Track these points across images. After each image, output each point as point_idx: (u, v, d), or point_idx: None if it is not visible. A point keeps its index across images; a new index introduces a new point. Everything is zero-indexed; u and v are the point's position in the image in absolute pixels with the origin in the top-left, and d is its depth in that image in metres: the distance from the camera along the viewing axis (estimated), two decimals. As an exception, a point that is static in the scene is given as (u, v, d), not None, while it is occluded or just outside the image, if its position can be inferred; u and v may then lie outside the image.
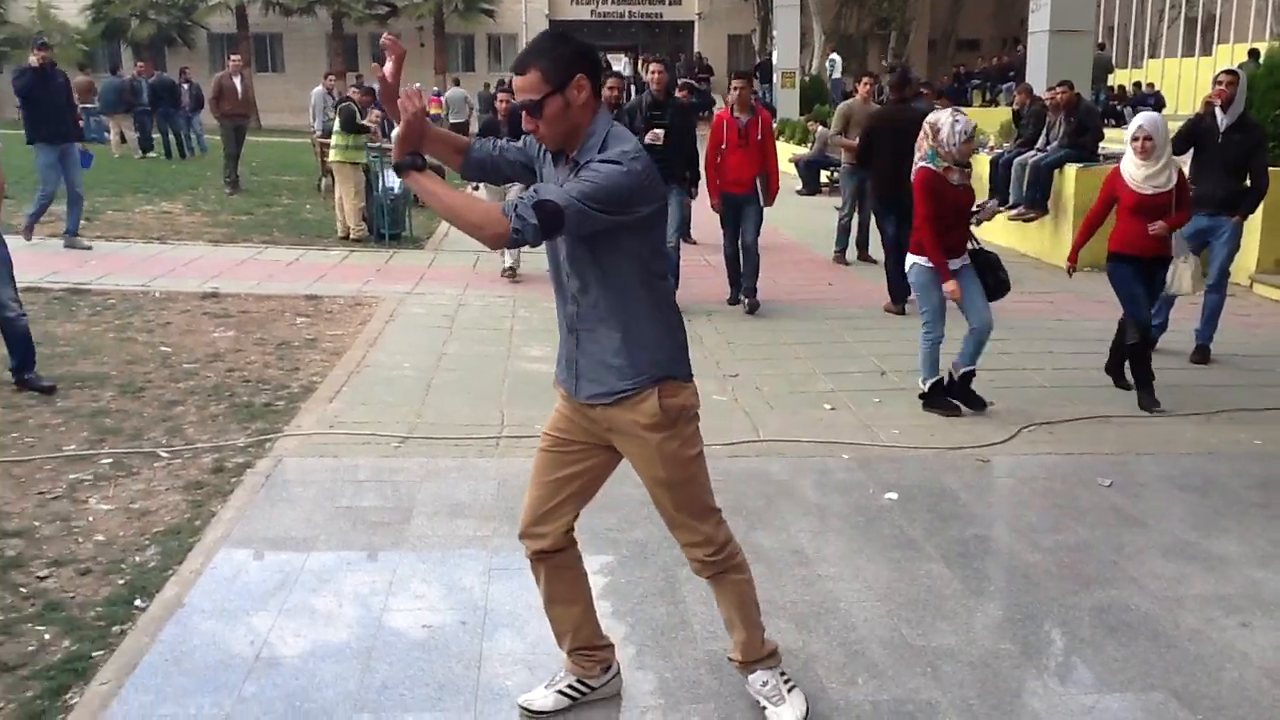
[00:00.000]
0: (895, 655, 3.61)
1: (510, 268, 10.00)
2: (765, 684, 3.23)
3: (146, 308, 8.74)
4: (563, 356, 3.06)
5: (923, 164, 6.02)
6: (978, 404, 6.29)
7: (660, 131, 8.45)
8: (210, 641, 3.62)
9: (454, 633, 3.72)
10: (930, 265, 6.04)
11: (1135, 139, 6.39)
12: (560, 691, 3.27)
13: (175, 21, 40.06)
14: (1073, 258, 7.01)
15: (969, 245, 6.25)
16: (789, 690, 3.24)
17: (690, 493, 3.07)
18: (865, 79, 12.38)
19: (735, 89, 8.97)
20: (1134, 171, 6.45)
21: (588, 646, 3.28)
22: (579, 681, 3.29)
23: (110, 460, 5.32)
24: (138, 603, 3.90)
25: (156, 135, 22.37)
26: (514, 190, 8.28)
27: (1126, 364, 6.76)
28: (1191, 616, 3.90)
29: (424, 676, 3.44)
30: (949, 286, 6.02)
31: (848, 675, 3.47)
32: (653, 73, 8.91)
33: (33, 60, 10.79)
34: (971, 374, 6.32)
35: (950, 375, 6.32)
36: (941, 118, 6.00)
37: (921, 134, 6.07)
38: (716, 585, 3.20)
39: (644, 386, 2.92)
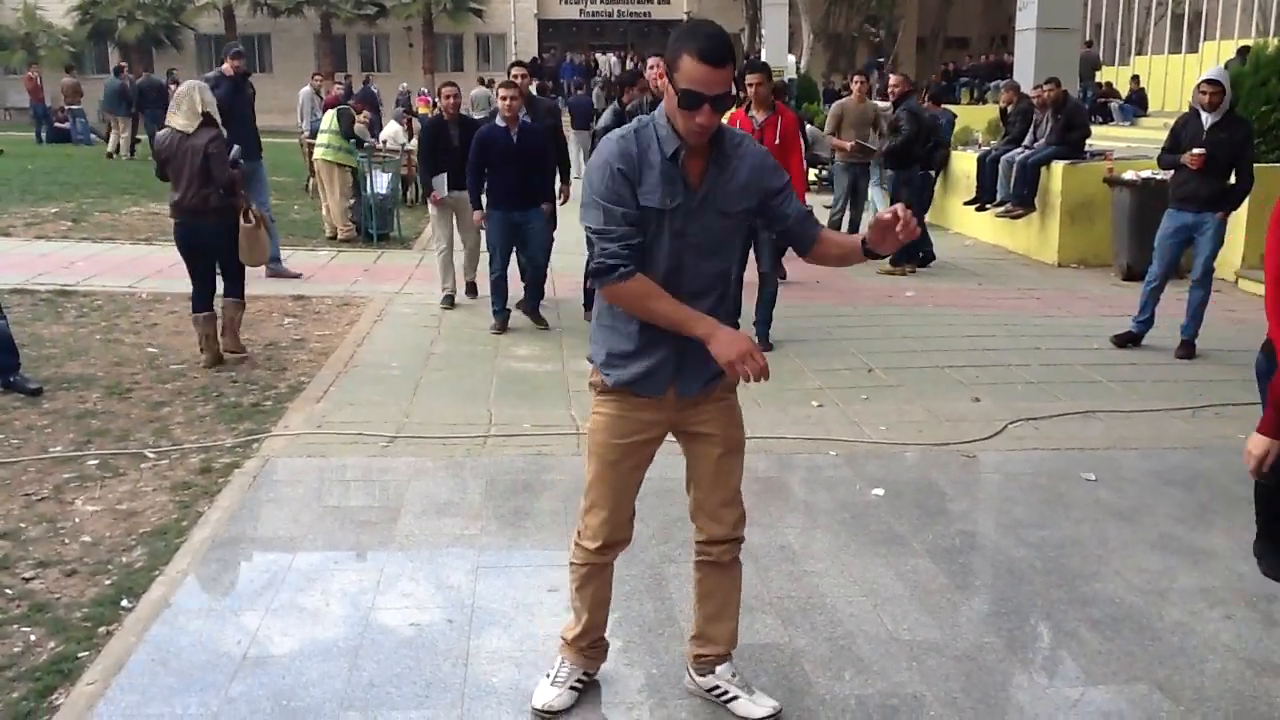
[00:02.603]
0: (881, 650, 3.62)
1: (450, 295, 8.87)
2: (734, 675, 3.26)
3: (133, 309, 8.72)
4: (655, 363, 2.94)
5: None
6: None
7: None
8: (197, 641, 3.62)
9: (441, 631, 3.72)
10: None
11: None
12: (572, 687, 3.29)
13: (163, 22, 39.98)
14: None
15: None
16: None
17: (743, 461, 3.15)
18: (858, 78, 12.39)
19: (751, 85, 7.78)
20: None
21: (599, 640, 3.36)
22: (585, 674, 3.33)
23: (97, 461, 5.32)
24: (124, 603, 3.90)
25: (142, 136, 22.28)
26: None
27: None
28: (1176, 609, 3.93)
29: (411, 674, 3.44)
30: None
31: (834, 670, 3.48)
32: (651, 67, 8.33)
33: (226, 69, 9.86)
34: None
35: None
36: None
37: None
38: (727, 573, 3.21)
39: None
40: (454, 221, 8.88)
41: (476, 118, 10.37)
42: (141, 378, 6.75)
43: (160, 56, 38.47)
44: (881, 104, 13.01)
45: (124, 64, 27.67)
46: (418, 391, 6.56)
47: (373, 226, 12.44)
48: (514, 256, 8.13)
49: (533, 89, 10.19)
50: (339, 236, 12.35)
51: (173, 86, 22.47)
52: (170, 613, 3.81)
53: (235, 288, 7.13)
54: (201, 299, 7.00)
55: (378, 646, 3.61)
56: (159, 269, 10.39)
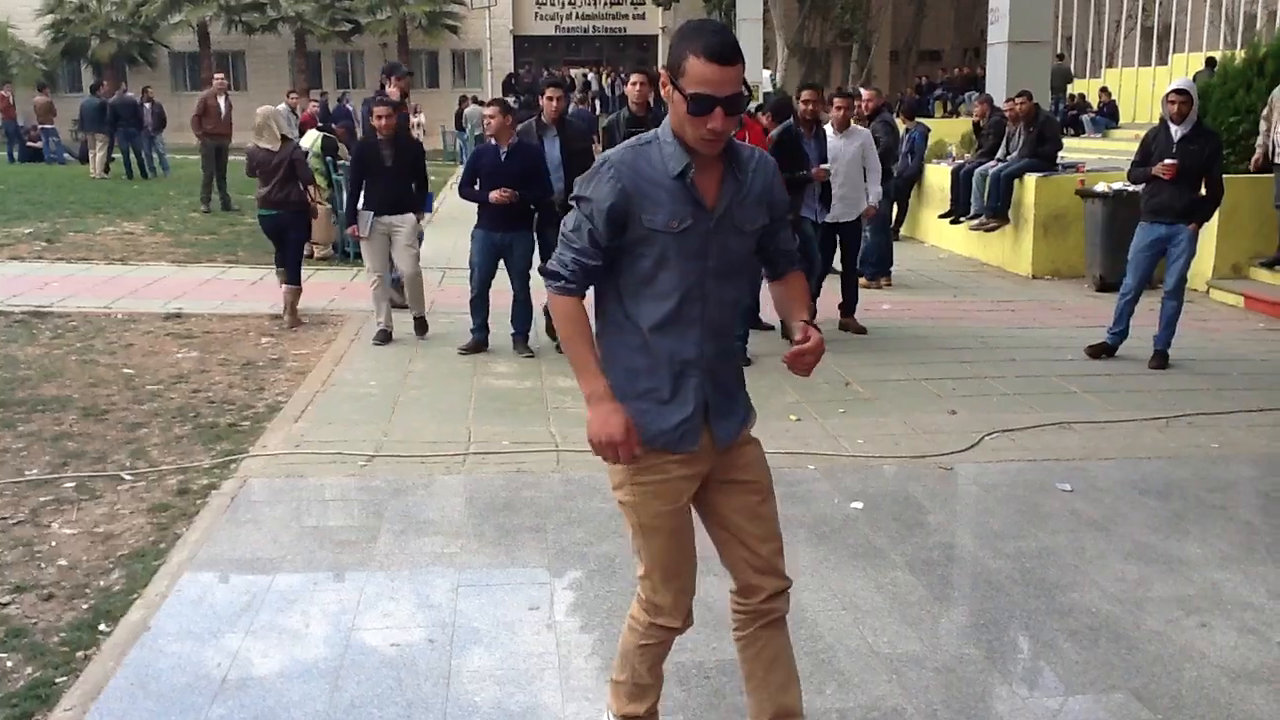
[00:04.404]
0: (861, 663, 3.64)
1: (385, 330, 8.33)
2: None
3: (109, 330, 8.67)
4: (680, 413, 2.67)
5: None
6: None
7: None
8: (176, 664, 3.60)
9: (422, 650, 3.71)
10: None
11: None
12: None
13: (136, 40, 39.81)
14: None
15: None
16: None
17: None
18: (809, 91, 12.28)
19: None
20: None
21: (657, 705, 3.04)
22: None
23: (73, 484, 5.28)
24: (102, 627, 3.87)
25: (116, 155, 22.16)
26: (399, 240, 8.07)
27: None
28: (1152, 618, 3.96)
29: (393, 695, 3.43)
30: None
31: (815, 684, 3.50)
32: (633, 84, 8.08)
33: (392, 92, 9.38)
34: None
35: None
36: None
37: None
38: (780, 629, 2.86)
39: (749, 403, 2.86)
40: (389, 247, 8.28)
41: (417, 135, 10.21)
42: (118, 399, 6.72)
43: (134, 74, 38.26)
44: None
45: (103, 82, 27.50)
46: (396, 410, 6.56)
47: (349, 244, 12.39)
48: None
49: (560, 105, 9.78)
50: (315, 255, 12.30)
51: (147, 105, 22.44)
52: (149, 636, 3.79)
53: (295, 274, 8.90)
54: (283, 259, 8.98)
55: (359, 667, 3.60)
56: (134, 289, 10.34)
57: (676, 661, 3.61)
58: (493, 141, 7.82)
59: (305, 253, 12.29)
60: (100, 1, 39.20)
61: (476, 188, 7.77)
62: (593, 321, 2.71)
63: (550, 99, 7.92)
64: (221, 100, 16.83)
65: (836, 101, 8.86)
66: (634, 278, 2.65)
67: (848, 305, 8.93)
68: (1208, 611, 4.02)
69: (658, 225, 2.58)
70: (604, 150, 7.22)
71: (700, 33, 2.49)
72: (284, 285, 8.97)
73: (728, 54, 2.45)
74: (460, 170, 8.58)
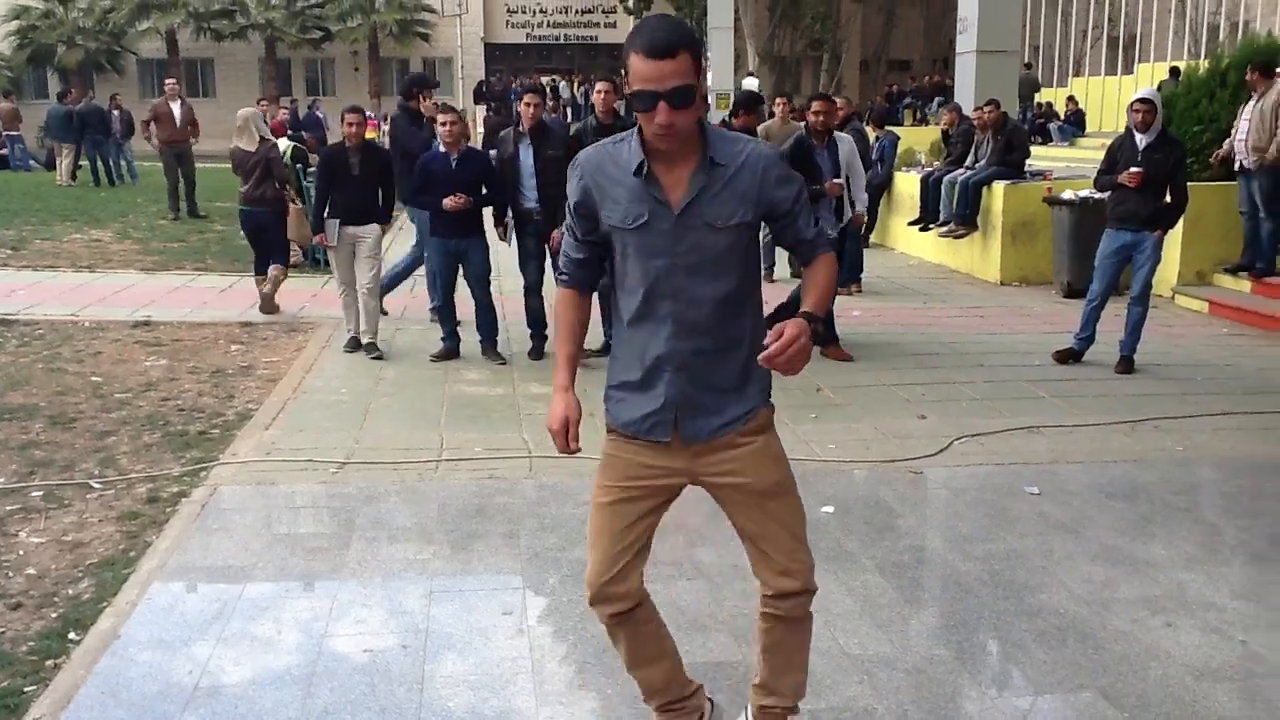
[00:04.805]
0: (833, 665, 3.66)
1: (355, 338, 8.17)
2: None
3: (76, 337, 8.60)
4: (659, 403, 2.71)
5: None
6: None
7: None
8: (148, 673, 3.59)
9: (395, 656, 3.71)
10: None
11: None
12: None
13: (104, 47, 39.54)
14: None
15: None
16: None
17: (798, 500, 2.85)
18: (780, 99, 12.36)
19: None
20: None
21: (678, 699, 3.05)
22: None
23: (41, 492, 5.24)
24: (72, 636, 3.84)
25: (84, 163, 21.98)
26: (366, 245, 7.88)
27: None
28: (1118, 618, 4.01)
29: (366, 700, 3.43)
30: None
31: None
32: (598, 92, 7.94)
33: (427, 107, 9.31)
34: None
35: None
36: None
37: None
38: (797, 628, 2.90)
39: (762, 403, 2.81)
40: (352, 258, 8.09)
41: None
42: (86, 407, 6.67)
43: (101, 82, 37.97)
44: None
45: (71, 89, 27.25)
46: (368, 417, 6.54)
47: (319, 251, 12.35)
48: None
49: (498, 112, 9.76)
50: (288, 261, 12.24)
51: (115, 112, 22.26)
52: (119, 644, 3.76)
53: (281, 258, 9.64)
54: (262, 263, 9.56)
55: (332, 673, 3.59)
56: (102, 297, 10.27)
57: (649, 665, 3.64)
58: (441, 150, 7.79)
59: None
60: (67, 8, 38.92)
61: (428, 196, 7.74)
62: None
63: (528, 105, 7.76)
64: (176, 106, 16.48)
65: (815, 106, 8.77)
66: (616, 272, 2.74)
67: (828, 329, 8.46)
68: (1173, 611, 4.08)
69: (614, 221, 2.64)
70: (568, 152, 7.25)
71: (640, 31, 2.50)
72: (272, 265, 9.52)
73: (660, 48, 2.43)
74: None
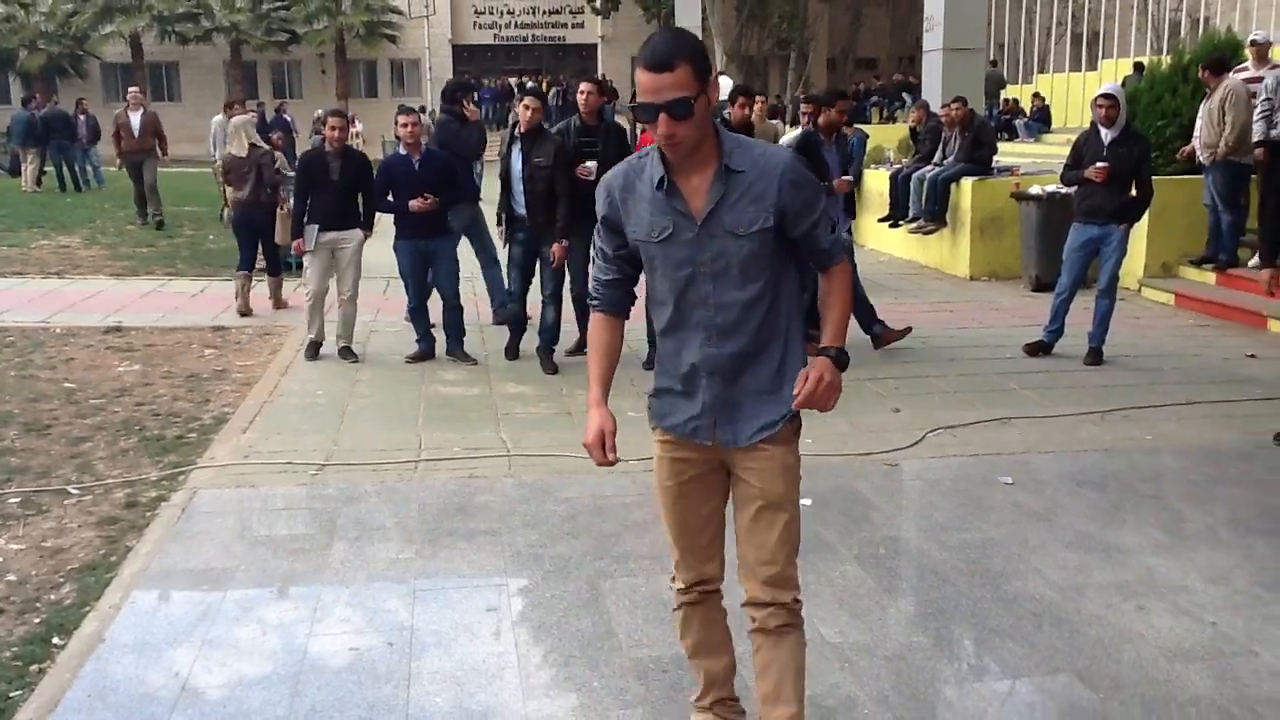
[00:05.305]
0: (814, 653, 3.68)
1: (314, 342, 8.12)
2: None
3: (48, 344, 8.55)
4: (698, 410, 2.78)
5: None
6: None
7: (592, 165, 7.39)
8: (134, 675, 3.59)
9: (381, 654, 3.74)
10: None
11: None
12: None
13: (67, 51, 39.11)
14: None
15: None
16: None
17: (797, 518, 2.87)
18: (740, 98, 12.33)
19: None
20: None
21: (731, 697, 3.12)
22: None
23: (18, 499, 5.22)
24: (56, 641, 3.84)
25: (49, 168, 21.78)
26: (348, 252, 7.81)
27: None
28: (1092, 603, 4.10)
29: (353, 698, 3.45)
30: None
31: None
32: (582, 92, 7.86)
33: (471, 111, 9.31)
34: None
35: None
36: None
37: None
38: (779, 644, 2.85)
39: (793, 413, 2.79)
40: (332, 263, 8.02)
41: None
42: (60, 413, 6.63)
43: (65, 86, 37.61)
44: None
45: (35, 94, 26.96)
46: (345, 418, 6.55)
47: (290, 254, 12.30)
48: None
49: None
50: (256, 266, 12.18)
51: (81, 117, 22.07)
52: (105, 648, 3.77)
53: (274, 267, 9.99)
54: (245, 262, 9.84)
55: (318, 672, 3.62)
56: (72, 303, 10.20)
57: (634, 657, 3.70)
58: (402, 152, 7.78)
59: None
60: (29, 11, 38.47)
61: (391, 199, 7.72)
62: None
63: (527, 108, 7.50)
64: (136, 116, 15.72)
65: (803, 107, 8.85)
66: (647, 285, 2.80)
67: (866, 323, 8.29)
68: (1144, 595, 4.16)
69: (639, 236, 2.71)
70: (554, 161, 7.20)
71: (645, 44, 2.57)
72: (268, 277, 10.07)
73: (659, 61, 2.49)
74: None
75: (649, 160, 2.68)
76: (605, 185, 2.76)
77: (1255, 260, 9.63)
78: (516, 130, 7.66)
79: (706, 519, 2.92)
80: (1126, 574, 4.37)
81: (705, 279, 2.66)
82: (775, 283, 2.72)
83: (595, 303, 2.88)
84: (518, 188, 7.54)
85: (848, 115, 8.23)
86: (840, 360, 2.67)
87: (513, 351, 8.04)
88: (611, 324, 2.88)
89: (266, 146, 10.14)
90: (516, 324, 8.06)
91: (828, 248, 2.74)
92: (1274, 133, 9.46)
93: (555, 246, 7.44)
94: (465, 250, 8.07)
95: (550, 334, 7.73)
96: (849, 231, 8.33)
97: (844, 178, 8.09)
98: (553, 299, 7.65)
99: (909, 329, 8.10)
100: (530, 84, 36.29)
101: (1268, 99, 9.51)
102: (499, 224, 7.96)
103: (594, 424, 2.82)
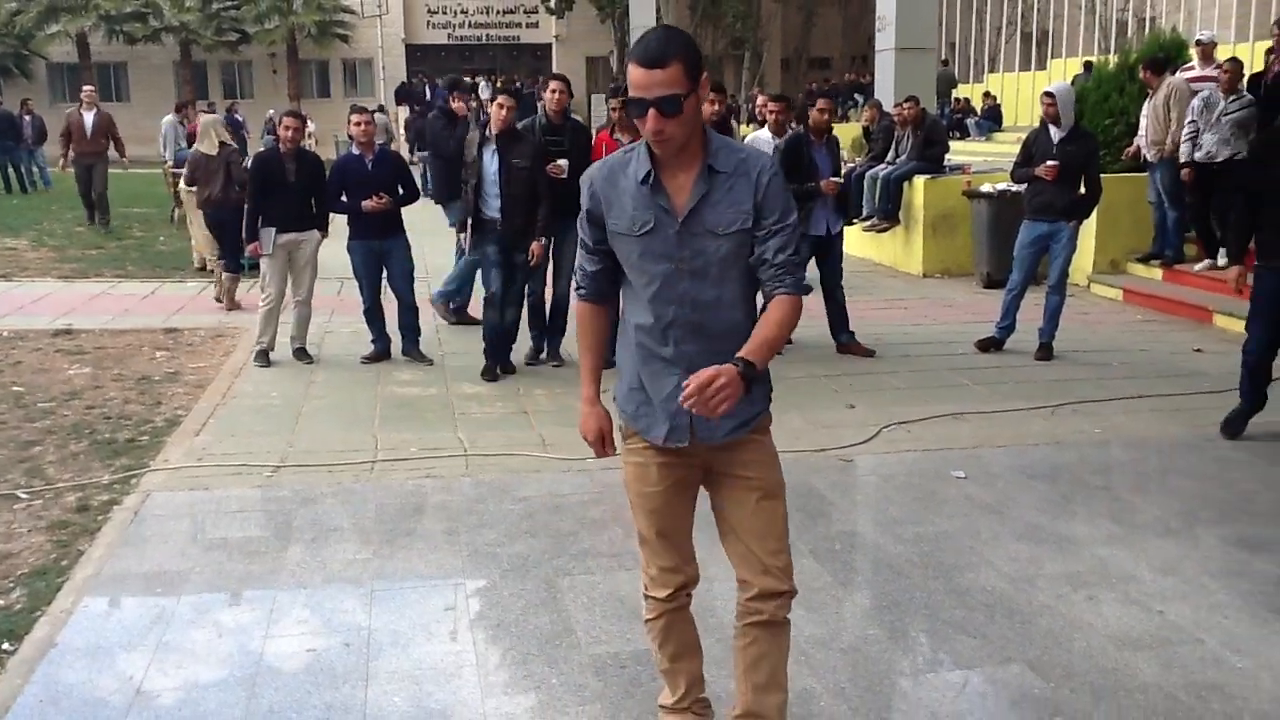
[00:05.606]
0: (772, 648, 3.75)
1: (264, 350, 7.90)
2: None
3: (-5, 347, 8.42)
4: (674, 410, 2.72)
5: None
6: None
7: (564, 163, 7.31)
8: (88, 679, 3.56)
9: (339, 654, 3.72)
10: None
11: None
12: None
13: (11, 51, 38.39)
14: None
15: None
16: None
17: (785, 504, 2.88)
18: (711, 94, 12.38)
19: (614, 109, 7.86)
20: None
21: (703, 696, 3.15)
22: None
23: (-34, 504, 5.14)
24: (6, 646, 3.79)
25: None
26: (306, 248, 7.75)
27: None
28: (1043, 594, 4.16)
29: (311, 699, 3.44)
30: None
31: (727, 668, 3.56)
32: (551, 90, 7.65)
33: (458, 107, 9.38)
34: None
35: None
36: None
37: None
38: (779, 634, 2.90)
39: (765, 408, 2.84)
40: (288, 267, 7.91)
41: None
42: (8, 417, 6.53)
43: (9, 87, 36.90)
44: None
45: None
46: (300, 420, 6.50)
47: (243, 255, 12.18)
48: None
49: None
50: (208, 267, 12.06)
51: (26, 118, 21.69)
52: (57, 652, 3.72)
53: (232, 265, 9.87)
54: (233, 263, 9.87)
55: (275, 674, 3.60)
56: (19, 305, 10.04)
57: (593, 654, 3.71)
58: (355, 151, 7.73)
59: (197, 264, 12.15)
60: (-28, 11, 37.76)
61: (344, 199, 7.67)
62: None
63: (500, 107, 7.14)
64: (89, 115, 15.41)
65: (771, 106, 8.81)
66: (626, 280, 2.82)
67: (836, 326, 8.30)
68: (1095, 586, 4.24)
69: (620, 229, 2.72)
70: (533, 162, 7.13)
71: (639, 40, 2.60)
72: (224, 274, 10.01)
73: (651, 58, 2.52)
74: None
75: (635, 155, 2.71)
76: (589, 178, 2.79)
77: (1207, 262, 9.85)
78: (488, 131, 7.23)
79: (685, 519, 2.96)
80: (1077, 565, 4.44)
81: (683, 276, 2.68)
82: (752, 285, 2.75)
83: (582, 292, 2.90)
84: (490, 190, 7.17)
85: (827, 114, 8.22)
86: (747, 374, 2.48)
87: (490, 372, 7.46)
88: (599, 312, 2.91)
89: (235, 145, 10.23)
90: (496, 341, 7.49)
91: (778, 263, 2.65)
92: (1198, 154, 9.67)
93: (534, 245, 7.25)
94: (419, 250, 8.03)
95: (509, 335, 7.57)
96: (839, 234, 8.34)
97: (833, 179, 8.08)
98: (517, 299, 7.50)
99: (873, 353, 8.11)
100: (488, 84, 36.28)
101: (1193, 121, 9.71)
102: (461, 229, 7.88)
103: (591, 423, 2.93)
